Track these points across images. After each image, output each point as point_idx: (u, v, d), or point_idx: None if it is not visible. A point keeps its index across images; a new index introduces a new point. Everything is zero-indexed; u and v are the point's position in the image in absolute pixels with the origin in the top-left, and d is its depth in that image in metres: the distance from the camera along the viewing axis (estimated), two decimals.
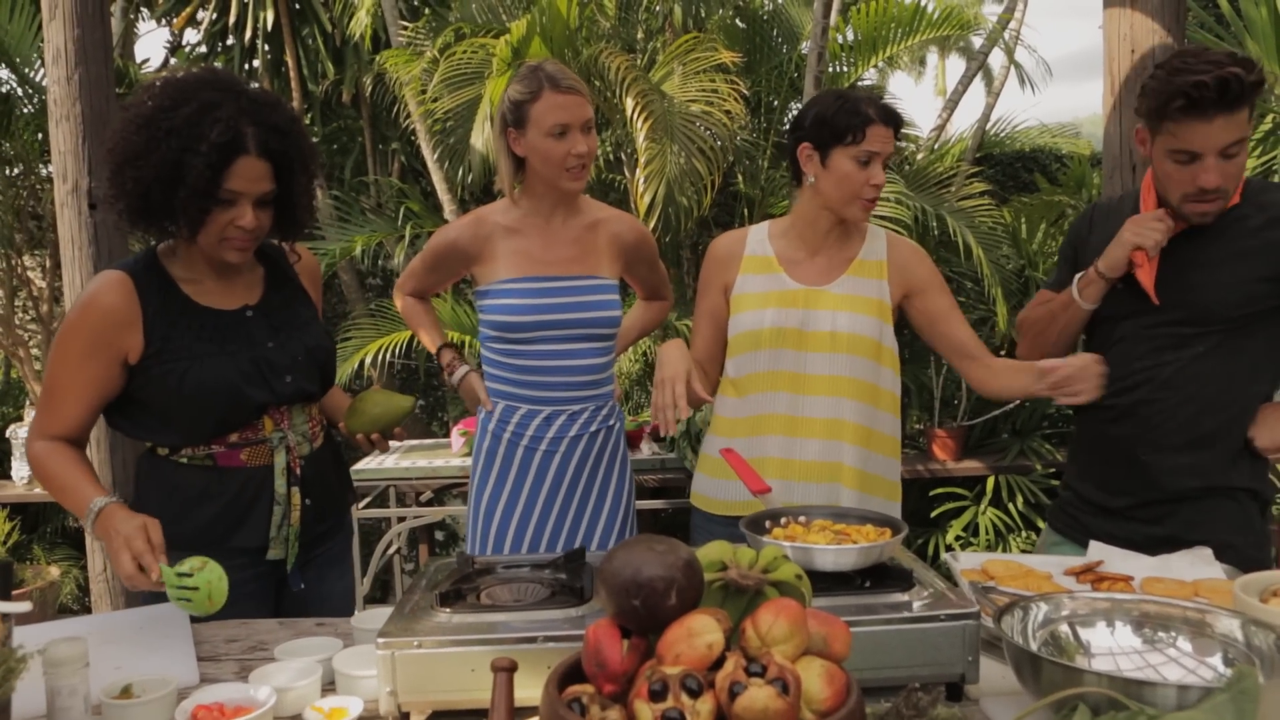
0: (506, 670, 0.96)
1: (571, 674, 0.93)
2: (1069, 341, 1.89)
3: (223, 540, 1.62)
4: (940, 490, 4.02)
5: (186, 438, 1.61)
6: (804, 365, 1.84)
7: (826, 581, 1.24)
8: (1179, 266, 1.70)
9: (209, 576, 1.36)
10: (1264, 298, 1.66)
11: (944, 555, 1.61)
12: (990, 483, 3.98)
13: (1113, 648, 1.16)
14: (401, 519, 3.75)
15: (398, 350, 4.38)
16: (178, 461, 1.63)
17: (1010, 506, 3.93)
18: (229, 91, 1.52)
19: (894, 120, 1.80)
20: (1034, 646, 1.13)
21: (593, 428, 1.94)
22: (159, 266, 1.62)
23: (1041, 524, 3.86)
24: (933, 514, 4.04)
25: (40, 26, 3.49)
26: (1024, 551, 3.82)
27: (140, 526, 1.42)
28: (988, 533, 3.92)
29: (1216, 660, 1.11)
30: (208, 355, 1.58)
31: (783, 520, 1.41)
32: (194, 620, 1.54)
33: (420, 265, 2.05)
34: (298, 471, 1.67)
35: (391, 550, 3.94)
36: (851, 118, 1.77)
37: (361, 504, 3.69)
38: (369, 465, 3.65)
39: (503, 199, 1.98)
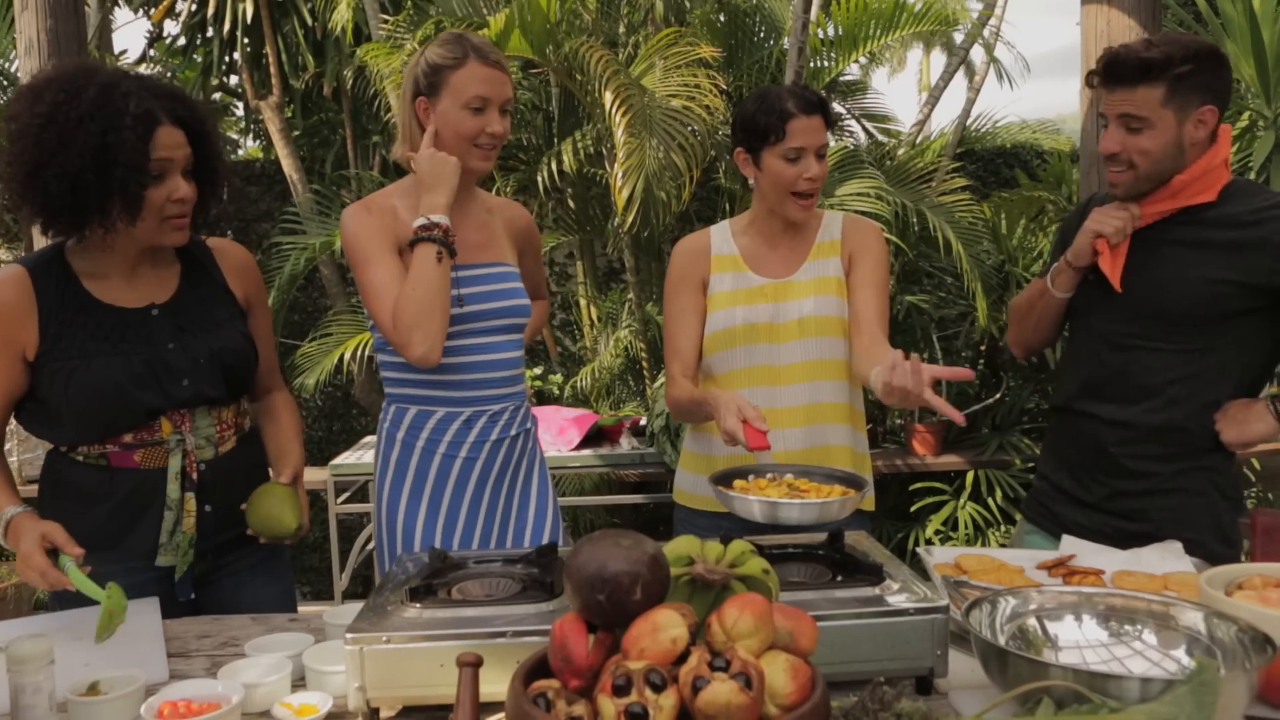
0: (472, 665, 0.95)
1: (538, 669, 0.93)
2: (1048, 330, 1.90)
3: (115, 542, 1.59)
4: (919, 485, 4.05)
5: (78, 437, 1.59)
6: (777, 357, 1.85)
7: (797, 574, 1.25)
8: (1146, 262, 1.71)
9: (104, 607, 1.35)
10: (1227, 299, 1.65)
11: (919, 549, 1.62)
12: (969, 477, 4.00)
13: (1080, 641, 1.17)
14: None
15: None
16: (73, 459, 1.60)
17: (989, 501, 3.96)
18: (112, 74, 1.51)
19: (818, 108, 1.77)
20: (1002, 640, 1.13)
21: (512, 431, 1.80)
22: (62, 260, 1.59)
23: (1020, 518, 3.90)
24: (912, 508, 4.07)
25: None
26: (1003, 545, 3.85)
27: (38, 539, 1.42)
28: (967, 527, 3.94)
29: (1180, 653, 1.12)
30: (98, 355, 1.54)
31: (749, 476, 1.41)
32: (164, 616, 1.53)
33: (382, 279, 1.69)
34: (194, 476, 1.62)
35: (370, 545, 3.93)
36: (770, 116, 1.76)
37: (340, 499, 3.68)
38: (348, 460, 3.64)
39: (399, 180, 1.81)
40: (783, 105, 1.76)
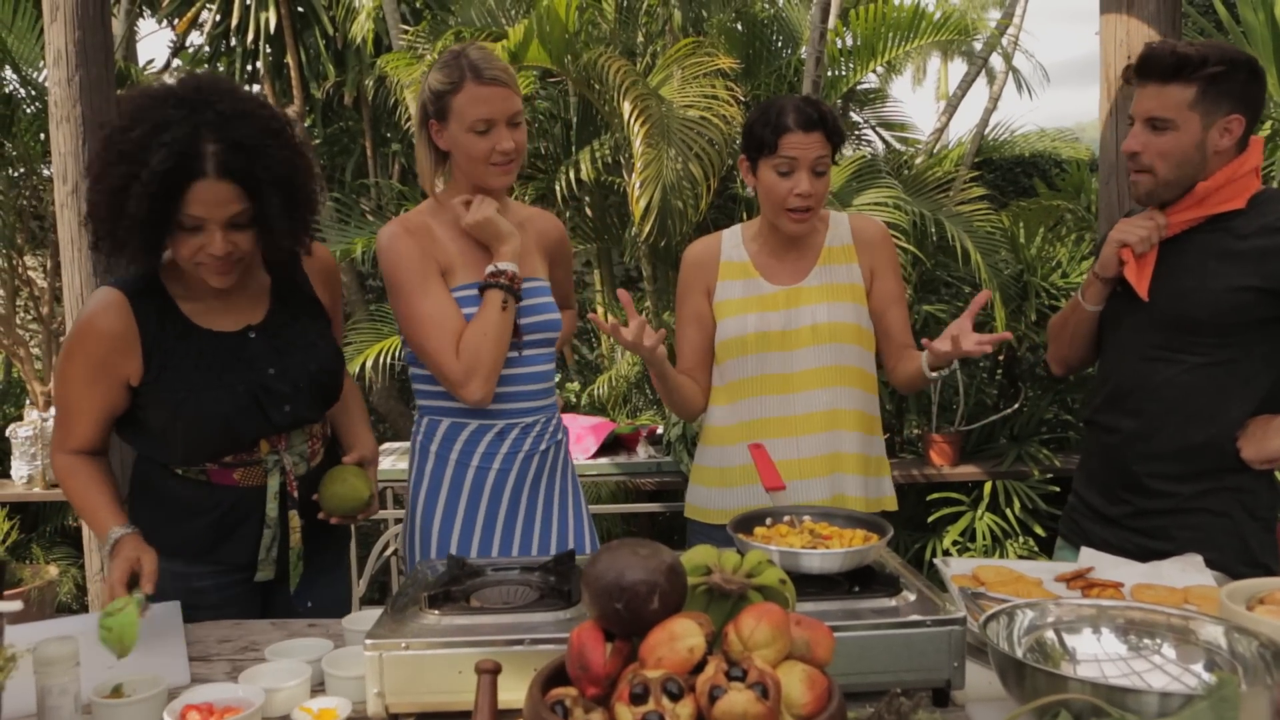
0: (490, 672, 0.96)
1: (556, 676, 0.94)
2: (1083, 346, 1.89)
3: (209, 551, 1.62)
4: (937, 495, 4.02)
5: (181, 461, 1.60)
6: (790, 365, 1.85)
7: (814, 585, 1.25)
8: (1173, 271, 1.70)
9: (121, 621, 1.32)
10: (1249, 307, 1.64)
11: (936, 560, 1.61)
12: (987, 488, 3.97)
13: (1098, 654, 1.16)
14: (399, 520, 3.75)
15: (398, 353, 4.39)
16: (172, 471, 1.61)
17: (1007, 512, 3.93)
18: (190, 107, 1.42)
19: (818, 124, 1.74)
20: (1019, 653, 1.13)
21: (543, 445, 1.80)
22: (158, 283, 1.56)
23: (1039, 529, 3.88)
24: (929, 519, 4.04)
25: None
26: (1021, 557, 3.82)
27: (126, 561, 1.44)
28: (984, 538, 3.92)
29: (1200, 668, 1.11)
30: (204, 387, 1.53)
31: (768, 521, 1.41)
32: (186, 620, 1.55)
33: (423, 299, 1.70)
34: (295, 494, 1.63)
35: (388, 552, 3.95)
36: (765, 128, 1.76)
37: None
38: None
39: (424, 202, 1.83)
40: (780, 118, 1.74)
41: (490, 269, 1.69)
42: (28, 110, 4.51)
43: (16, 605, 1.25)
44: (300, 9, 5.37)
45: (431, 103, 1.70)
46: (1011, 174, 5.59)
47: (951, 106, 5.23)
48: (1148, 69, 1.65)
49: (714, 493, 1.92)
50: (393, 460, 3.73)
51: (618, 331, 1.67)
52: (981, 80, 6.33)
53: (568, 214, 4.70)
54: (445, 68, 1.68)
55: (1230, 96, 1.63)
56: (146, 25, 6.28)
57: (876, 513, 1.92)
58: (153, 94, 1.47)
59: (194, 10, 5.56)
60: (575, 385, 4.70)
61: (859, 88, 4.95)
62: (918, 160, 4.80)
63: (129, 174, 1.40)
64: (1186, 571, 1.52)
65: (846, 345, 1.85)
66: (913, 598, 1.22)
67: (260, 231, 1.50)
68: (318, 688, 1.28)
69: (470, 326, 1.67)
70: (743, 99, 3.99)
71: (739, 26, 4.75)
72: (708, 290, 1.91)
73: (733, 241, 1.94)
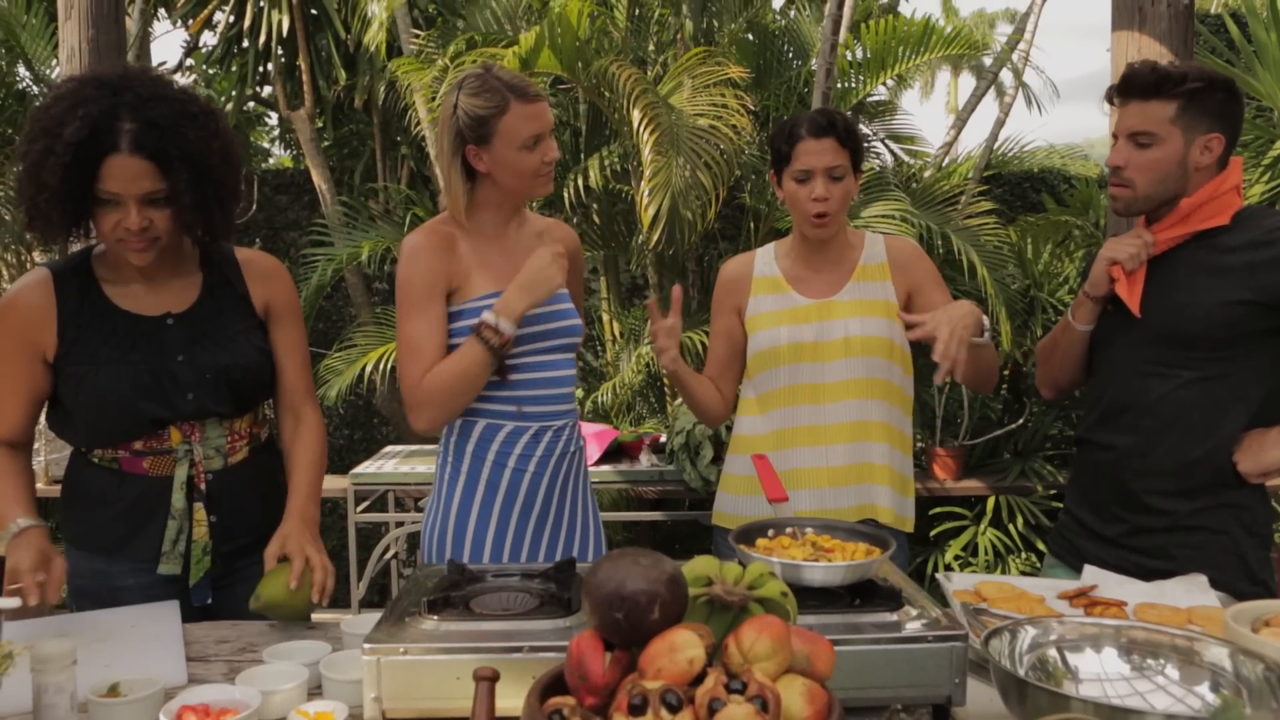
0: (488, 679, 0.95)
1: (554, 685, 0.93)
2: (1074, 368, 1.90)
3: (121, 545, 1.62)
4: (940, 509, 4.01)
5: (91, 440, 1.63)
6: (822, 375, 1.89)
7: (816, 598, 1.24)
8: (1163, 287, 1.72)
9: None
10: (1242, 320, 1.65)
11: (939, 575, 1.60)
12: (990, 503, 3.96)
13: (1101, 674, 1.15)
14: (400, 524, 3.75)
15: None
16: (89, 460, 1.64)
17: (1010, 527, 3.92)
18: (112, 89, 1.47)
19: (829, 131, 1.81)
20: (1021, 670, 1.12)
21: (571, 448, 1.84)
22: (87, 265, 1.62)
23: (1041, 545, 3.86)
24: (932, 533, 4.03)
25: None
26: (1023, 573, 3.80)
27: (35, 550, 1.45)
28: (987, 553, 3.90)
29: (1205, 689, 1.10)
30: (107, 363, 1.56)
31: (770, 532, 1.41)
32: (185, 620, 1.55)
33: (420, 318, 1.72)
34: (202, 486, 1.63)
35: (389, 555, 3.95)
36: (781, 140, 1.85)
37: (359, 508, 3.70)
38: (368, 469, 3.66)
39: (442, 214, 1.84)
40: (794, 129, 1.83)
41: (489, 319, 1.67)
42: None
43: (14, 602, 1.25)
44: (314, 11, 5.39)
45: (473, 129, 1.70)
46: (1020, 189, 5.58)
47: (961, 120, 5.23)
48: (1129, 87, 1.71)
49: (744, 500, 1.94)
50: (395, 464, 3.72)
51: (656, 316, 1.80)
52: (991, 95, 6.33)
53: (575, 220, 4.71)
54: (484, 93, 1.69)
55: (1209, 114, 1.67)
56: (160, 27, 6.31)
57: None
58: (78, 78, 1.53)
59: (207, 11, 5.58)
60: (579, 392, 4.70)
61: (869, 100, 4.95)
62: (926, 173, 4.80)
63: (46, 148, 1.45)
64: (1191, 592, 1.51)
65: (877, 359, 1.89)
66: (914, 613, 1.21)
67: (174, 212, 1.52)
68: (315, 691, 1.28)
69: (446, 363, 1.69)
70: (753, 109, 3.99)
71: (750, 37, 4.76)
72: (738, 308, 1.98)
73: (765, 259, 2.00)
